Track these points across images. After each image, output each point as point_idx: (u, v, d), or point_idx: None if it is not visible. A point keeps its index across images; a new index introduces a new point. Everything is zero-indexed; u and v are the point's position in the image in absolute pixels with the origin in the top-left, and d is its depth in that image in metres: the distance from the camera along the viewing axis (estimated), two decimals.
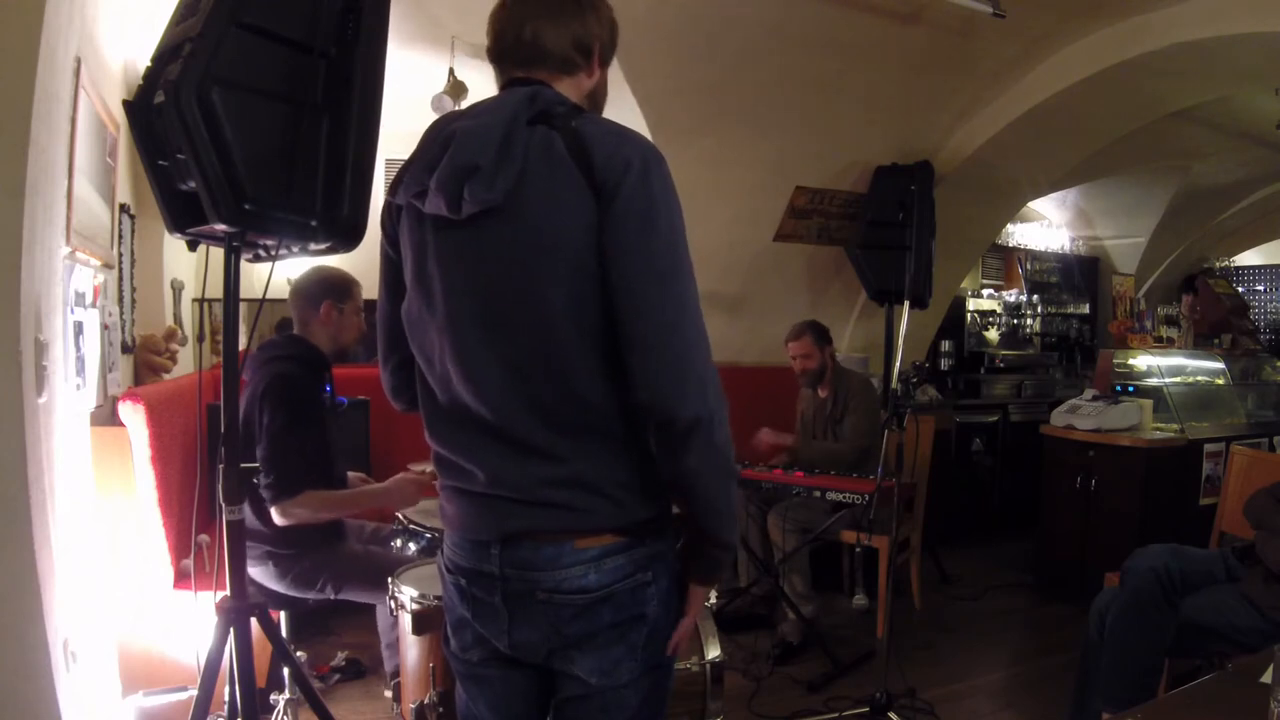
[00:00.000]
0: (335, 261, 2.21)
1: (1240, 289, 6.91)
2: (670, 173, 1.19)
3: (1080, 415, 4.33)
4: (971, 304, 6.18)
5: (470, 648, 1.33)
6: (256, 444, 2.29)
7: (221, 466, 1.70)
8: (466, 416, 1.23)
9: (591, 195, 1.14)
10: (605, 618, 1.22)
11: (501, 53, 1.28)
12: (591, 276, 1.15)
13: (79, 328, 2.12)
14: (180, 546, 2.61)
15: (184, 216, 1.64)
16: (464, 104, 3.64)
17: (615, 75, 1.39)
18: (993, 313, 6.33)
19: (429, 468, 2.88)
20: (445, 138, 1.18)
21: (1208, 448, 4.29)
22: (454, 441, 1.26)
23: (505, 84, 1.28)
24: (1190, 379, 4.92)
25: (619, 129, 1.20)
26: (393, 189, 1.28)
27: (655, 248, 1.15)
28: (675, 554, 1.30)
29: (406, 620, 2.01)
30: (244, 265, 1.73)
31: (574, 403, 1.19)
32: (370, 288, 2.78)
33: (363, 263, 2.75)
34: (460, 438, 1.25)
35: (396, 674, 2.21)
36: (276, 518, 2.31)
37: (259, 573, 2.45)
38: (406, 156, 1.26)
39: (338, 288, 2.59)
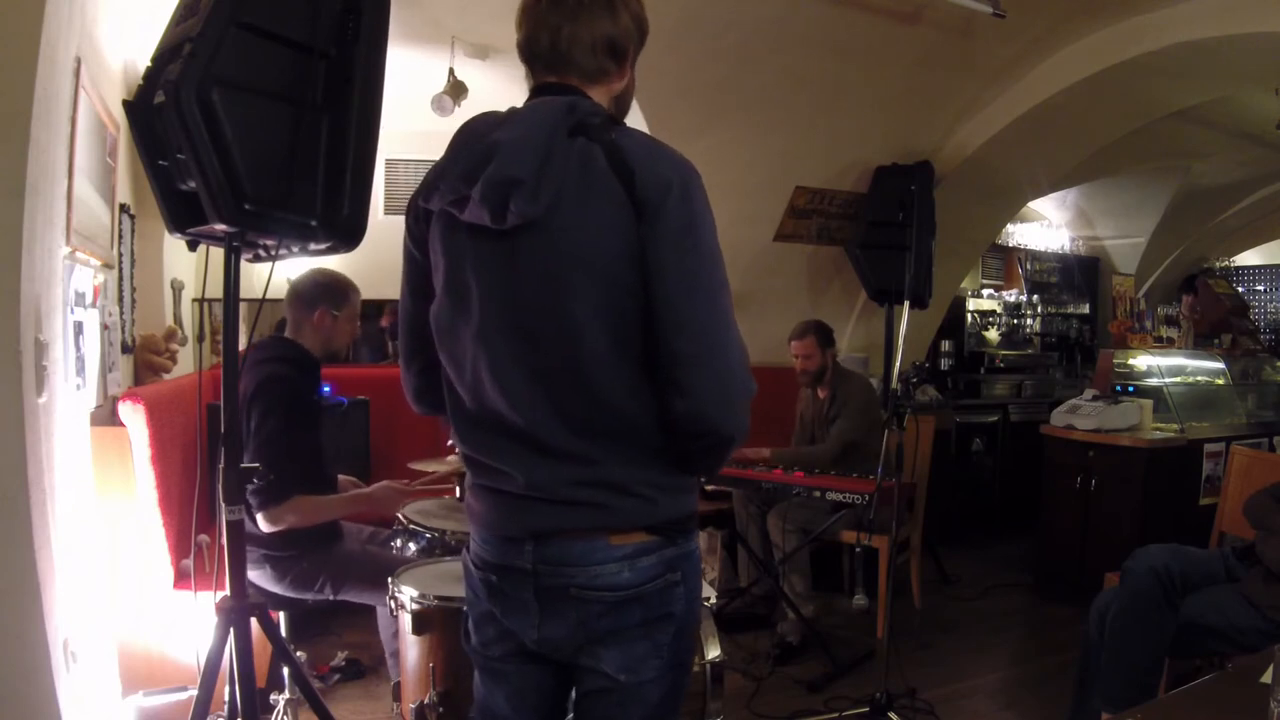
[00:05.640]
0: (334, 262, 2.20)
1: (1240, 289, 6.91)
2: (705, 187, 1.20)
3: (1080, 415, 4.33)
4: (971, 304, 6.18)
5: (492, 643, 1.34)
6: (245, 448, 2.23)
7: (221, 466, 1.70)
8: (498, 423, 1.23)
9: (631, 210, 1.14)
10: (635, 616, 1.23)
11: (533, 55, 1.27)
12: (627, 290, 1.16)
13: (79, 328, 2.12)
14: (180, 546, 2.61)
15: (184, 216, 1.64)
16: (463, 104, 3.64)
17: None
18: (993, 313, 6.33)
19: (429, 467, 2.89)
20: (486, 148, 1.16)
21: (1208, 448, 4.29)
22: (486, 447, 1.26)
23: (536, 87, 1.28)
24: (1190, 379, 4.92)
25: (655, 144, 1.21)
26: (425, 194, 1.26)
27: (698, 265, 1.16)
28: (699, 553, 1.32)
29: (406, 620, 2.01)
30: (244, 265, 1.73)
31: (605, 413, 1.19)
32: (369, 288, 2.78)
33: (364, 263, 2.74)
34: (492, 443, 1.25)
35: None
36: (263, 523, 2.27)
37: (257, 576, 2.42)
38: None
39: (335, 293, 2.54)
